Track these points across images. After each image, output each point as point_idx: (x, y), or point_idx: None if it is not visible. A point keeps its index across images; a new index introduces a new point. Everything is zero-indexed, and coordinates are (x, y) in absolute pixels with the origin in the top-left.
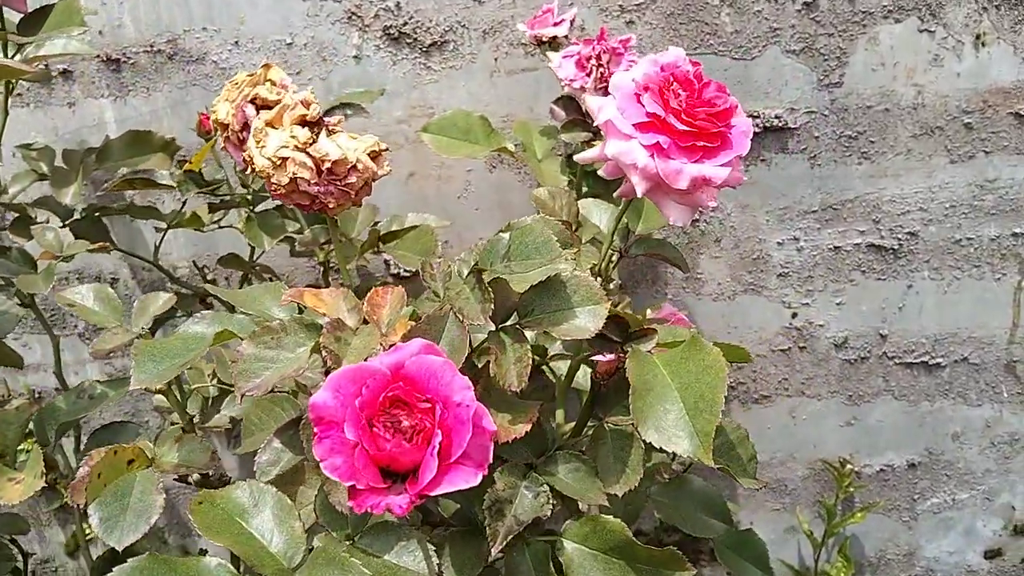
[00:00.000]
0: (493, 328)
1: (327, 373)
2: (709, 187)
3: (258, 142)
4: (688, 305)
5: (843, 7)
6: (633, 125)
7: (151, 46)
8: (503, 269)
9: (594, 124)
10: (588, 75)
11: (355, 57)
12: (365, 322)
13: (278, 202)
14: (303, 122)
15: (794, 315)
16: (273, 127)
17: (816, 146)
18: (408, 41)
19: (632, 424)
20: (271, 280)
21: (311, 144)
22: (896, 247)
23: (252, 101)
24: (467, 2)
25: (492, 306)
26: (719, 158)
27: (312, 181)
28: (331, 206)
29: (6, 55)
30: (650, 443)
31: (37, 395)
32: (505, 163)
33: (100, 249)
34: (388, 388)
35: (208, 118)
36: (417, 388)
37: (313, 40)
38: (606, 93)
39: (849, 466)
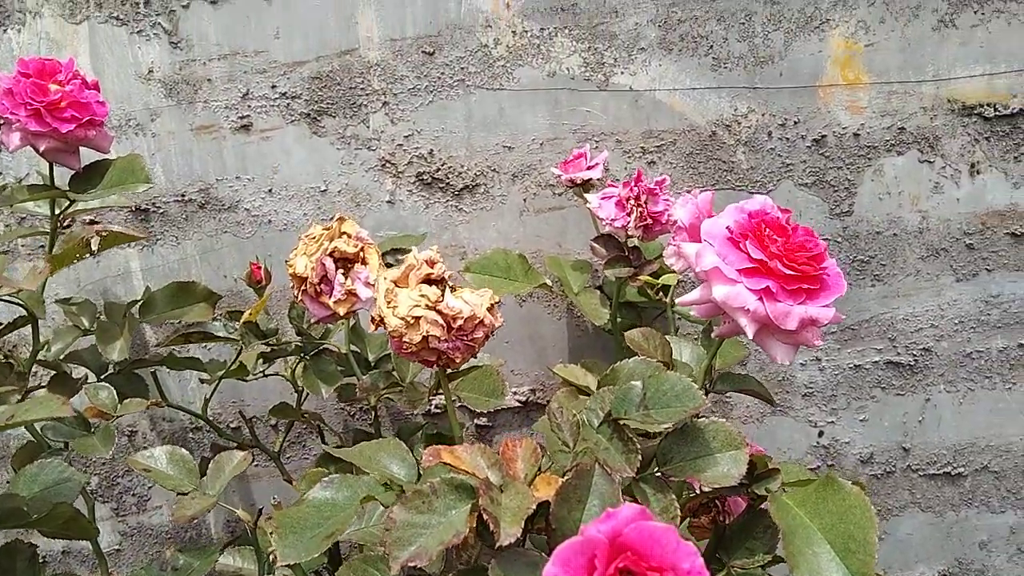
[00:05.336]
0: (632, 478)
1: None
2: (814, 327)
3: (389, 302)
4: None
5: (849, 143)
6: (738, 271)
7: (182, 195)
8: (642, 418)
9: (696, 269)
10: (628, 215)
11: (388, 202)
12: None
13: (327, 347)
14: (429, 280)
15: (820, 434)
16: (398, 286)
17: None
18: (440, 185)
19: (759, 566)
20: (319, 425)
21: (440, 302)
22: (912, 363)
23: (330, 254)
24: (498, 148)
25: (639, 456)
26: (820, 299)
27: (442, 338)
28: (457, 360)
29: (52, 213)
30: None
31: (42, 560)
32: (534, 296)
33: (154, 405)
34: (617, 559)
35: (259, 268)
36: (641, 557)
37: (347, 187)
38: (646, 231)
39: None
